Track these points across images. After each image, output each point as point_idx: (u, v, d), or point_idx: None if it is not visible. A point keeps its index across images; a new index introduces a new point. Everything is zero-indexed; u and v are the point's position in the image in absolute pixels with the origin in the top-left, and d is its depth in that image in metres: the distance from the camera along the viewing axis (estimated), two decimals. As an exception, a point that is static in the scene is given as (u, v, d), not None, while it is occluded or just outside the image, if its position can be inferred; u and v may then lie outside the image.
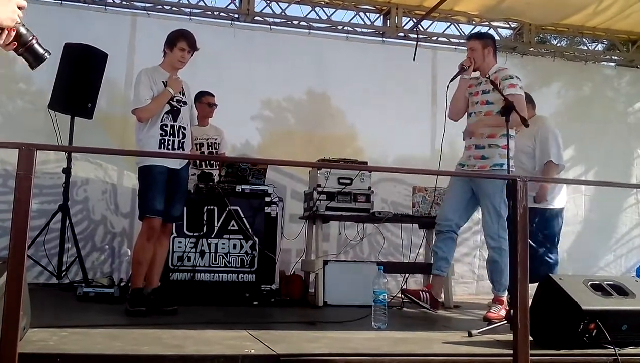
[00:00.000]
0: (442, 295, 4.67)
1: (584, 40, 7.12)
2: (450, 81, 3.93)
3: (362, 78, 6.02)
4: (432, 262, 3.97)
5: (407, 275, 4.76)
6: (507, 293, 3.80)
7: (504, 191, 3.71)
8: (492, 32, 6.75)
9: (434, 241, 3.99)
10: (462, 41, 6.62)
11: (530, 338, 2.48)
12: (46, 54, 1.63)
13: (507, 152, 3.69)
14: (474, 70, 3.93)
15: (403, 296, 3.85)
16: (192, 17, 5.87)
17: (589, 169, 6.58)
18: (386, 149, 6.02)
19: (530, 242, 4.00)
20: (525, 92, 4.40)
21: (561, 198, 4.43)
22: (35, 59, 1.61)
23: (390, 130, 5.94)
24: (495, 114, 3.77)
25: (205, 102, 4.91)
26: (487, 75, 3.81)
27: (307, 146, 5.74)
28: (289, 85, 5.97)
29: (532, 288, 3.26)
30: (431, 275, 3.98)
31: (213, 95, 5.03)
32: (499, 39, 6.82)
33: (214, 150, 4.97)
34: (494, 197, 3.73)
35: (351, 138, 6.11)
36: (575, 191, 6.43)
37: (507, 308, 3.79)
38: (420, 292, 3.83)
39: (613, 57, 7.19)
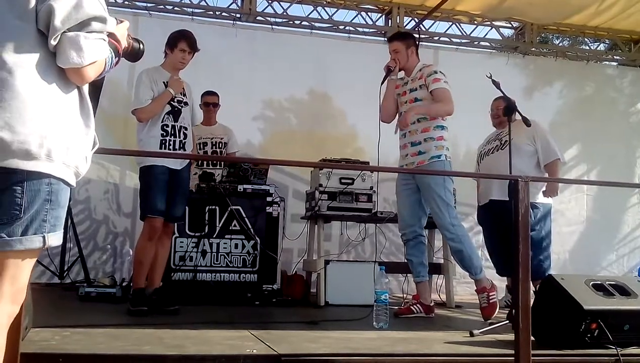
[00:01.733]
0: (443, 297, 4.71)
1: (585, 40, 7.11)
2: (382, 84, 3.98)
3: (363, 78, 5.98)
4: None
5: (407, 275, 4.74)
6: (484, 273, 3.81)
7: (447, 180, 3.74)
8: (493, 31, 6.76)
9: (404, 250, 4.00)
10: (465, 41, 6.63)
11: (532, 338, 2.48)
12: (141, 45, 1.73)
13: (443, 143, 3.76)
14: (400, 70, 3.97)
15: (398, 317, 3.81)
16: (194, 17, 5.88)
17: (591, 169, 6.57)
18: (387, 149, 5.97)
19: (535, 238, 4.08)
20: (507, 97, 4.44)
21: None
22: (136, 58, 1.70)
23: (391, 130, 5.91)
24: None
25: (203, 101, 4.92)
26: (422, 68, 3.84)
27: (309, 146, 5.74)
28: (290, 85, 5.98)
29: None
30: (415, 284, 3.96)
31: (214, 95, 5.02)
32: (500, 38, 6.83)
33: (218, 150, 4.97)
34: (437, 187, 3.74)
35: (352, 138, 6.11)
36: (578, 191, 6.42)
37: (494, 289, 3.80)
38: (411, 307, 3.82)
39: (615, 57, 7.18)
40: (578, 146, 6.49)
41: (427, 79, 3.81)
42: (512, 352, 2.35)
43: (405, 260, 4.04)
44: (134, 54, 1.67)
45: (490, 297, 3.71)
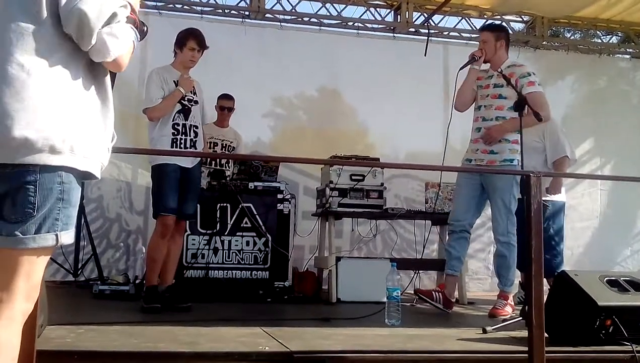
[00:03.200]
0: (456, 294, 4.69)
1: (597, 32, 7.03)
2: (460, 70, 3.89)
3: (373, 74, 6.00)
4: (445, 258, 3.95)
5: (418, 271, 4.73)
6: (512, 289, 3.81)
7: (514, 186, 3.68)
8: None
9: (447, 240, 3.96)
10: (474, 35, 6.57)
11: (546, 335, 2.46)
12: (145, 28, 1.70)
13: (517, 147, 3.68)
14: (485, 62, 3.90)
15: (415, 295, 3.83)
16: (203, 16, 5.88)
17: (604, 163, 6.50)
18: (398, 145, 5.99)
19: (546, 235, 4.05)
20: (521, 93, 4.39)
21: (563, 193, 4.44)
22: (141, 36, 1.66)
23: (402, 126, 5.91)
24: (507, 110, 3.75)
25: (219, 104, 4.98)
26: (500, 70, 3.77)
27: (319, 143, 5.73)
28: (300, 82, 5.97)
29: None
30: (444, 275, 3.95)
31: (231, 99, 5.04)
32: (510, 32, 6.77)
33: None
34: (504, 193, 3.70)
35: (363, 134, 6.09)
36: (591, 186, 6.36)
37: (513, 304, 3.80)
38: (433, 292, 3.80)
39: (628, 50, 7.09)
40: (591, 140, 6.42)
41: (519, 80, 3.72)
42: (526, 348, 2.34)
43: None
44: (140, 31, 1.67)
45: (506, 307, 3.71)
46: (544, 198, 4.09)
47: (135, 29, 1.55)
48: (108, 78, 1.55)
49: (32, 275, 1.43)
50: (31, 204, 1.37)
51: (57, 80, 1.40)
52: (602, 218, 6.36)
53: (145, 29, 1.69)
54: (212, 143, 4.89)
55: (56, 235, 1.41)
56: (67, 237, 1.45)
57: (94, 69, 1.50)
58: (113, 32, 1.44)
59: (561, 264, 4.23)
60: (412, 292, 4.57)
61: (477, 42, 6.65)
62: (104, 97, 1.52)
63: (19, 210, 1.37)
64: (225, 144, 5.01)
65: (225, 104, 5.02)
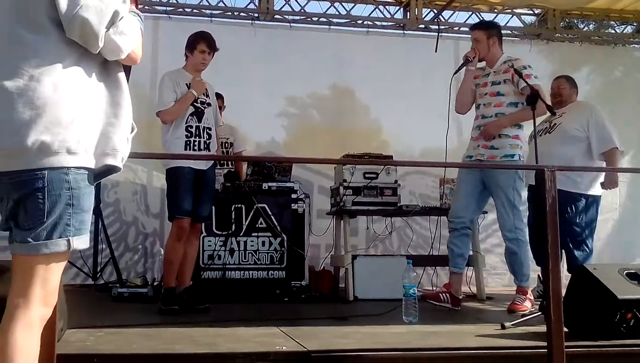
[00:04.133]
0: (474, 289, 4.67)
1: (611, 23, 6.93)
2: (455, 73, 3.92)
3: (384, 71, 5.98)
4: (453, 257, 3.92)
5: (435, 267, 4.71)
6: (529, 283, 3.78)
7: (517, 181, 3.67)
8: (515, 19, 6.64)
9: (448, 238, 3.94)
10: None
11: (566, 329, 2.44)
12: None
13: (518, 142, 3.68)
14: (479, 60, 3.88)
15: (424, 301, 3.79)
16: (213, 19, 5.91)
17: (623, 155, 6.39)
18: (412, 142, 5.96)
19: (571, 230, 3.99)
20: (569, 76, 4.34)
21: (598, 186, 4.29)
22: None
23: (415, 122, 5.88)
24: (506, 106, 3.74)
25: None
26: (511, 65, 3.74)
27: (333, 141, 5.73)
28: (312, 82, 5.98)
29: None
30: (450, 274, 3.93)
31: (220, 97, 5.01)
32: (522, 26, 6.70)
33: (224, 150, 5.00)
34: (507, 189, 3.68)
35: (376, 132, 6.08)
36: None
37: (532, 298, 3.77)
38: (440, 295, 3.79)
39: (643, 39, 6.98)
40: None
41: (515, 76, 3.71)
42: (545, 344, 2.32)
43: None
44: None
45: (525, 302, 3.69)
46: (577, 191, 4.05)
47: (138, 15, 1.57)
48: (122, 73, 1.57)
49: (48, 280, 1.45)
50: (41, 211, 1.39)
51: (67, 84, 1.42)
52: (622, 210, 6.27)
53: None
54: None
55: (68, 241, 1.43)
56: (81, 242, 1.47)
57: (107, 67, 1.53)
58: (120, 30, 1.46)
59: (588, 259, 4.08)
60: (430, 289, 4.58)
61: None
62: (119, 92, 1.54)
63: (31, 217, 1.40)
64: (222, 142, 4.95)
65: (218, 103, 5.02)
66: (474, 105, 3.97)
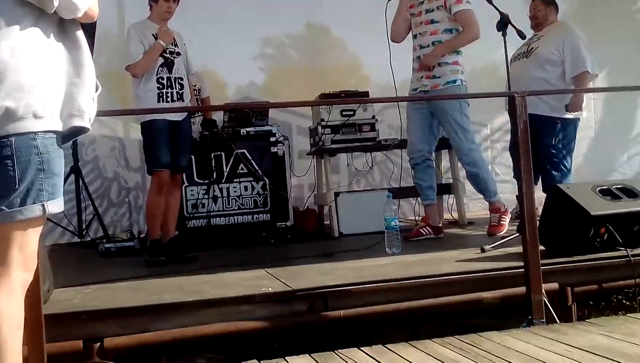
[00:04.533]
0: (455, 215, 4.77)
1: None
2: (389, 1, 3.86)
3: (360, 5, 5.80)
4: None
5: (417, 197, 4.77)
6: (499, 197, 3.88)
7: (463, 105, 3.72)
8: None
9: (413, 174, 4.00)
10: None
11: (542, 247, 2.52)
12: None
13: (458, 67, 3.71)
14: None
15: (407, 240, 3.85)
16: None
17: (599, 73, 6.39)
18: (391, 74, 5.88)
19: (547, 153, 4.05)
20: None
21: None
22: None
23: (394, 56, 5.75)
24: (442, 33, 3.74)
25: None
26: None
27: (312, 80, 5.63)
28: (285, 21, 5.81)
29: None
30: (424, 207, 4.02)
31: None
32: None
33: (195, 97, 4.91)
34: (454, 113, 3.72)
35: (355, 67, 6.01)
36: (585, 96, 6.28)
37: (508, 211, 3.87)
38: (420, 230, 3.87)
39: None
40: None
41: (447, 1, 3.69)
42: (522, 263, 2.40)
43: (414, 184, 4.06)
44: None
45: (502, 218, 3.79)
46: (553, 115, 4.08)
47: None
48: (81, 32, 1.53)
49: (25, 245, 1.46)
50: (12, 178, 1.38)
51: (26, 48, 1.39)
52: (597, 127, 6.34)
53: None
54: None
55: (43, 205, 1.43)
56: (56, 206, 1.47)
57: (65, 27, 1.49)
58: None
59: (565, 178, 4.14)
60: (414, 219, 4.66)
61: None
62: (80, 51, 1.51)
63: (2, 185, 1.39)
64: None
65: None
66: (409, 34, 3.95)
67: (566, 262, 2.66)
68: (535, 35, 4.30)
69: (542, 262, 2.39)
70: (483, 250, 3.04)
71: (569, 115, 4.16)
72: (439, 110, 3.78)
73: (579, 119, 4.28)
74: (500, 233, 3.69)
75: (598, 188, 2.82)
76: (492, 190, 3.84)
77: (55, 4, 1.40)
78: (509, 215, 3.90)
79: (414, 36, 3.90)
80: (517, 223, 3.47)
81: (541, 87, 4.03)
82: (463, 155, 3.80)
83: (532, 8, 4.34)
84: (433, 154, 4.02)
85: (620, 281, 2.66)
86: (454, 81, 3.73)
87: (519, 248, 2.77)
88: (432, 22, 3.77)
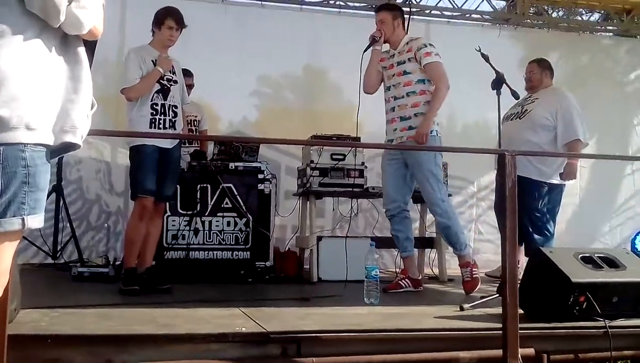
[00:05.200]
0: (436, 271, 4.74)
1: (580, 10, 7.02)
2: (364, 52, 3.96)
3: (357, 53, 5.88)
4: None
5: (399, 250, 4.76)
6: (468, 250, 3.88)
7: (437, 156, 3.77)
8: (485, 3, 6.67)
9: (390, 226, 3.98)
10: (456, 14, 6.54)
11: (522, 311, 2.50)
12: None
13: (433, 119, 3.74)
14: (385, 42, 3.95)
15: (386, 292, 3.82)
16: (182, -7, 5.76)
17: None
18: (383, 123, 5.97)
19: (532, 216, 4.08)
20: (544, 59, 4.45)
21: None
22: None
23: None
24: (415, 83, 3.81)
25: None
26: (412, 44, 3.82)
27: (305, 122, 5.70)
28: (285, 62, 5.91)
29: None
30: (402, 260, 3.99)
31: (190, 76, 4.94)
32: (491, 10, 6.73)
33: (193, 128, 4.97)
34: (429, 164, 3.75)
35: (349, 113, 6.01)
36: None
37: (476, 265, 3.84)
38: (400, 282, 3.84)
39: (608, 27, 7.10)
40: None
41: (417, 53, 3.79)
42: (500, 325, 2.37)
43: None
44: None
45: (473, 272, 3.76)
46: (541, 179, 4.13)
47: None
48: (82, 48, 1.53)
49: (0, 260, 1.40)
50: None
51: (26, 58, 1.37)
52: (582, 194, 6.43)
53: None
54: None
55: (22, 220, 1.38)
56: (36, 222, 1.42)
57: (67, 41, 1.48)
58: (82, 4, 1.42)
59: (548, 242, 4.15)
60: (394, 271, 4.62)
61: (460, 21, 6.65)
62: (80, 67, 1.50)
63: None
64: (190, 120, 4.93)
65: (187, 81, 4.94)
66: (381, 86, 4.04)
67: (544, 328, 2.63)
68: (530, 96, 4.39)
69: (520, 325, 2.37)
70: (462, 309, 3.01)
71: (557, 181, 4.22)
72: (413, 160, 3.80)
73: (564, 184, 4.33)
74: (475, 288, 3.67)
75: (580, 256, 2.83)
76: (463, 242, 3.84)
77: (62, 18, 1.40)
78: (478, 269, 3.86)
79: (387, 88, 3.97)
80: (498, 284, 3.47)
81: (532, 150, 4.10)
82: (435, 205, 3.79)
83: (528, 70, 4.47)
84: (408, 206, 4.02)
85: (597, 352, 2.64)
86: (431, 132, 3.74)
87: (497, 310, 2.77)
88: (405, 73, 3.85)
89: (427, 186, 3.76)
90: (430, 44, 3.83)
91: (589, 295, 2.67)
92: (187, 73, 4.88)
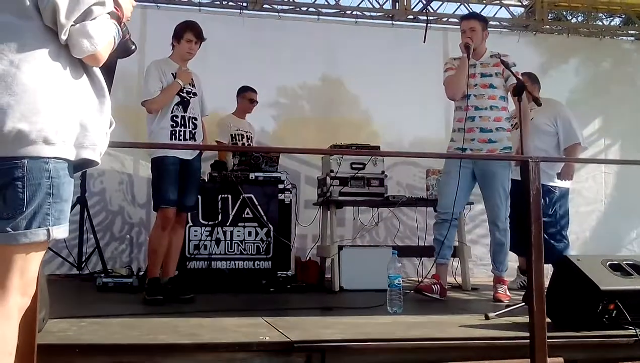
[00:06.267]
0: (459, 279, 4.70)
1: (600, 15, 6.95)
2: (468, 59, 3.81)
3: (373, 62, 5.96)
4: (442, 249, 3.92)
5: (421, 258, 4.73)
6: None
7: (510, 172, 3.77)
8: (503, 10, 6.65)
9: (436, 229, 3.93)
10: (474, 21, 6.50)
11: (549, 320, 2.46)
12: (133, 46, 1.71)
13: (509, 134, 3.80)
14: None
15: (418, 293, 3.80)
16: (201, 8, 5.86)
17: (609, 146, 6.44)
18: (401, 132, 5.99)
19: (545, 221, 4.05)
20: (530, 73, 4.49)
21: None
22: (124, 52, 1.67)
23: (404, 113, 5.89)
24: (499, 99, 3.82)
25: (247, 97, 5.12)
26: (497, 55, 3.84)
27: (323, 132, 5.72)
28: (302, 72, 5.96)
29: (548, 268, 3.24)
30: (436, 265, 3.93)
31: (256, 92, 5.15)
32: (510, 17, 6.70)
33: (248, 144, 5.12)
34: (504, 179, 3.76)
35: (366, 122, 6.09)
36: (596, 169, 6.32)
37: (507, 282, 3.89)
38: (432, 286, 3.80)
39: (630, 32, 7.00)
40: (596, 123, 6.37)
41: (505, 71, 3.78)
42: (527, 334, 2.33)
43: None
44: (125, 48, 1.65)
45: (507, 290, 3.82)
46: (551, 184, 4.18)
47: (117, 25, 1.55)
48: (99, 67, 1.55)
49: (26, 270, 1.43)
50: (20, 200, 1.37)
51: (47, 73, 1.40)
52: (607, 201, 6.32)
53: (134, 47, 1.70)
54: (239, 135, 5.00)
55: (48, 230, 1.41)
56: (60, 232, 1.45)
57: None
58: (85, 30, 1.43)
59: (566, 249, 4.25)
60: (416, 279, 4.59)
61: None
62: (98, 85, 1.53)
63: (9, 207, 1.37)
64: (249, 136, 5.11)
65: (255, 97, 5.16)
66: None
67: (573, 337, 2.58)
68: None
69: (548, 334, 2.33)
70: (487, 317, 2.96)
71: (563, 184, 4.33)
72: (488, 174, 3.78)
73: (569, 189, 4.46)
74: (506, 301, 3.64)
75: (608, 263, 2.77)
76: (507, 264, 3.88)
77: (63, 37, 1.42)
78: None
79: (467, 96, 3.86)
80: (523, 293, 3.42)
81: (540, 155, 4.14)
82: (498, 221, 3.77)
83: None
84: (460, 215, 4.03)
85: (628, 361, 2.57)
86: (510, 148, 3.79)
87: (523, 318, 2.72)
88: (491, 86, 3.84)
89: (496, 200, 3.76)
90: (514, 64, 3.81)
91: (619, 303, 2.61)
92: (252, 89, 5.11)
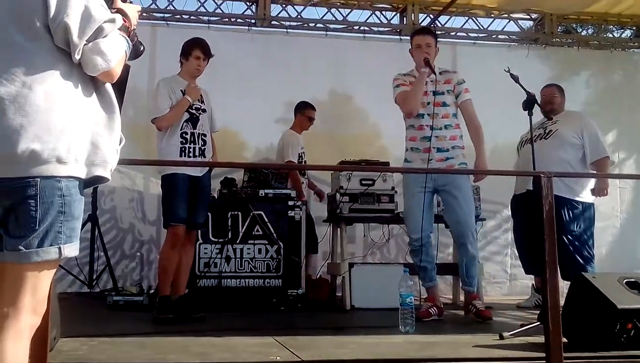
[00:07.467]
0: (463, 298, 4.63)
1: (610, 27, 6.91)
2: (428, 77, 3.78)
3: (382, 76, 5.87)
4: (428, 273, 3.88)
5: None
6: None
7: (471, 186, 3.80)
8: (512, 24, 6.62)
9: (414, 256, 3.85)
10: (482, 35, 6.52)
11: (565, 339, 2.41)
12: (142, 47, 1.73)
13: (464, 152, 3.82)
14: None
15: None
16: (210, 25, 5.90)
17: (624, 160, 6.36)
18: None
19: (568, 237, 4.00)
20: (559, 85, 4.46)
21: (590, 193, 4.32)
22: (134, 55, 1.69)
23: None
24: (452, 117, 3.82)
25: (307, 115, 5.18)
26: (456, 78, 3.85)
27: (331, 147, 5.71)
28: (310, 88, 5.94)
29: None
30: (427, 288, 3.87)
31: (315, 109, 5.21)
32: (519, 30, 6.68)
33: (302, 161, 5.13)
34: (468, 191, 3.76)
35: (375, 137, 6.06)
36: (610, 184, 6.16)
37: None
38: (429, 310, 3.74)
39: (641, 44, 6.96)
40: (609, 136, 6.26)
41: (457, 87, 3.80)
42: (543, 355, 2.28)
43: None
44: (134, 45, 1.67)
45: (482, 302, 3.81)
46: (576, 198, 4.08)
47: (127, 38, 1.57)
48: (109, 85, 1.56)
49: (38, 289, 1.43)
50: (33, 218, 1.38)
51: (59, 93, 1.42)
52: (623, 217, 6.22)
53: (142, 48, 1.71)
54: (302, 153, 5.07)
55: (59, 248, 1.41)
56: (72, 250, 1.45)
57: (96, 78, 1.52)
58: (98, 48, 1.45)
59: (591, 264, 4.08)
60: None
61: (486, 42, 6.61)
62: (108, 101, 1.54)
63: (22, 225, 1.38)
64: (301, 153, 5.12)
65: (313, 115, 5.22)
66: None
67: (590, 358, 2.52)
68: (550, 119, 4.32)
69: (564, 354, 2.28)
70: (502, 337, 2.91)
71: (588, 199, 4.19)
72: (453, 187, 3.73)
73: (593, 204, 4.29)
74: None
75: (625, 281, 2.72)
76: (478, 279, 3.87)
77: (77, 57, 1.44)
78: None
79: (420, 115, 3.82)
80: (538, 312, 3.36)
81: (563, 168, 4.08)
82: (470, 233, 3.72)
83: (549, 93, 4.45)
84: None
85: (648, 383, 2.51)
86: (465, 163, 3.84)
87: (538, 338, 2.68)
88: (444, 105, 3.81)
89: (466, 214, 3.71)
90: (464, 80, 3.85)
91: (637, 322, 2.55)
92: (312, 107, 5.19)
